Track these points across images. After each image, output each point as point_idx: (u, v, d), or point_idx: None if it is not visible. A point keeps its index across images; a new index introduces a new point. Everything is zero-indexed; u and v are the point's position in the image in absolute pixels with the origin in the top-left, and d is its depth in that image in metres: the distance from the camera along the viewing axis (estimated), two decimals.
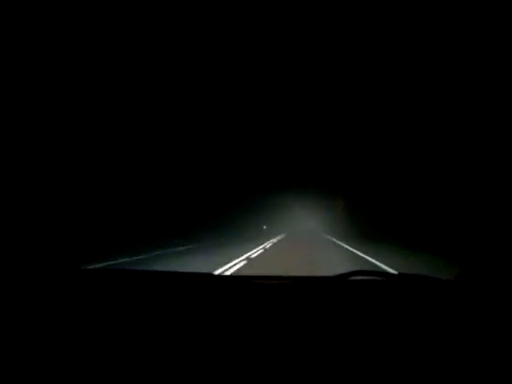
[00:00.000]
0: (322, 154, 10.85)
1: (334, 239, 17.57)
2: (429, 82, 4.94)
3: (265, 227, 30.61)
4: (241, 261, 7.42)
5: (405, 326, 0.80)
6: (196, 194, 16.82)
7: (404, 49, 4.19)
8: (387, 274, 1.12)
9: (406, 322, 0.81)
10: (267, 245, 13.71)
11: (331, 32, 3.94)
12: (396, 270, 5.74)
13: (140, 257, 8.15)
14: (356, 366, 0.65)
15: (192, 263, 6.95)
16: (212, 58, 4.62)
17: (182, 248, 11.15)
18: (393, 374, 0.64)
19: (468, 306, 0.88)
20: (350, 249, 10.87)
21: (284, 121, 7.44)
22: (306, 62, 4.69)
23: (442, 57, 4.23)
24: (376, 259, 7.67)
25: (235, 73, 5.07)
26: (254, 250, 10.37)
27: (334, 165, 12.39)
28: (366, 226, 16.57)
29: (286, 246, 13.39)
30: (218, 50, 4.41)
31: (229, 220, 22.79)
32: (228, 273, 5.57)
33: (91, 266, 6.01)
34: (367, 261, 7.47)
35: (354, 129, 7.80)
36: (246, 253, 9.42)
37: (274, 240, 17.59)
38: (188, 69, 4.96)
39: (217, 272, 5.53)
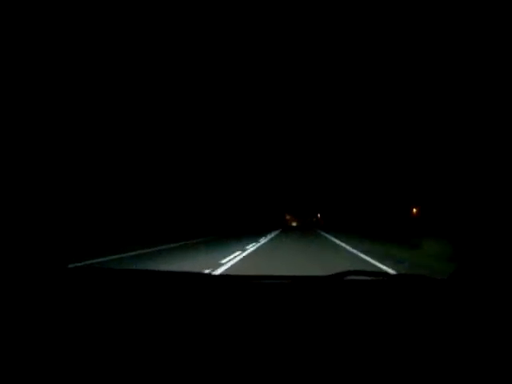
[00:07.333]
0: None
1: None
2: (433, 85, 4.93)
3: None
4: None
5: (400, 325, 0.81)
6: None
7: (396, 41, 4.18)
8: (382, 273, 1.15)
9: (401, 321, 0.82)
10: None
11: (327, 32, 3.92)
12: None
13: None
14: (352, 366, 0.66)
15: None
16: (201, 60, 4.59)
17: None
18: (386, 372, 0.64)
19: (461, 304, 0.89)
20: None
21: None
22: (306, 66, 4.67)
23: (437, 48, 4.22)
24: None
25: (229, 75, 5.04)
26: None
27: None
28: None
29: None
30: (209, 47, 4.38)
31: None
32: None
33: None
34: None
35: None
36: None
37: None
38: (176, 70, 4.93)
39: None
